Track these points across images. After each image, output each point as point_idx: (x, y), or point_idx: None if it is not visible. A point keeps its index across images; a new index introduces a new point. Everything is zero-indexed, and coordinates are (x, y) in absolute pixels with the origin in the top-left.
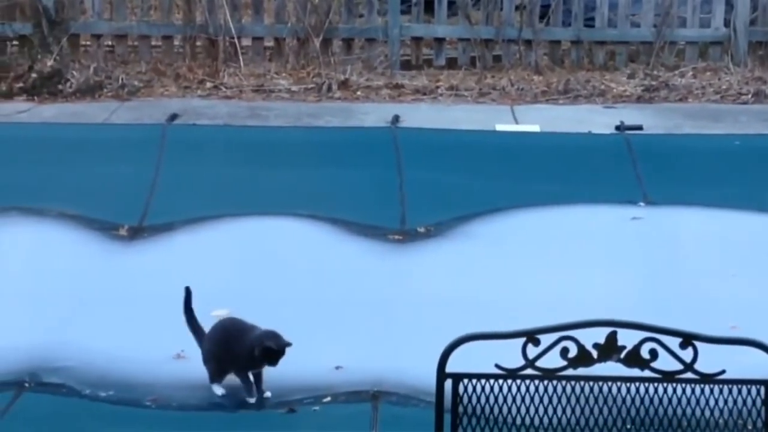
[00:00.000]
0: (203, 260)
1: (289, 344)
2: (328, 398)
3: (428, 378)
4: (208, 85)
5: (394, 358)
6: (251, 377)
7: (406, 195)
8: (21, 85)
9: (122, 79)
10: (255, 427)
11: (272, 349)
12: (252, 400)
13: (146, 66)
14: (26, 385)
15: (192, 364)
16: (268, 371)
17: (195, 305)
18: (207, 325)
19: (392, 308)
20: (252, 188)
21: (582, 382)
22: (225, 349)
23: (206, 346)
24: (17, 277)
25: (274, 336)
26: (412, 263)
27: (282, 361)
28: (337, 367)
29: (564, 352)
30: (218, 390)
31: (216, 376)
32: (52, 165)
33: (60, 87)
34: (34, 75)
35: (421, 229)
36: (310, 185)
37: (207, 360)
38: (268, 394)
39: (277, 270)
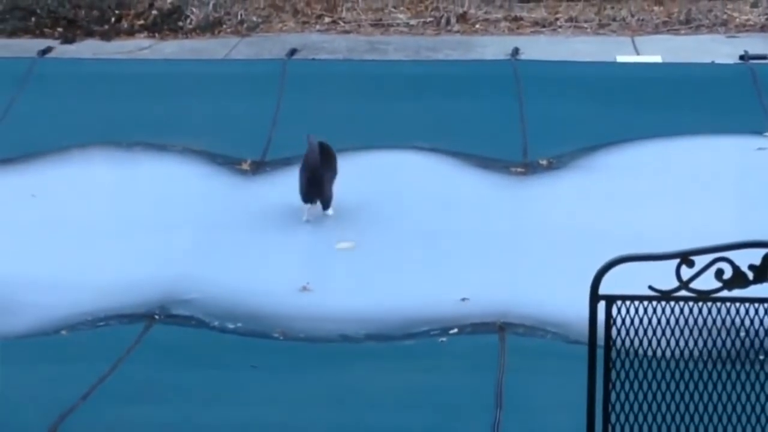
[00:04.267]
0: None
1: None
2: (455, 330)
3: (554, 309)
4: (327, 20)
5: (519, 290)
6: None
7: (527, 128)
8: (142, 22)
9: (241, 15)
10: (382, 358)
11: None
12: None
13: (264, 1)
14: (156, 317)
15: (318, 297)
16: (394, 306)
17: (319, 241)
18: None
19: (516, 241)
20: (373, 122)
21: (737, 304)
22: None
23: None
24: (145, 213)
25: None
26: (536, 195)
27: (408, 294)
28: (463, 299)
29: (719, 273)
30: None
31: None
32: (175, 101)
33: (180, 23)
34: (154, 12)
35: (543, 162)
36: (431, 118)
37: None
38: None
39: (400, 203)
